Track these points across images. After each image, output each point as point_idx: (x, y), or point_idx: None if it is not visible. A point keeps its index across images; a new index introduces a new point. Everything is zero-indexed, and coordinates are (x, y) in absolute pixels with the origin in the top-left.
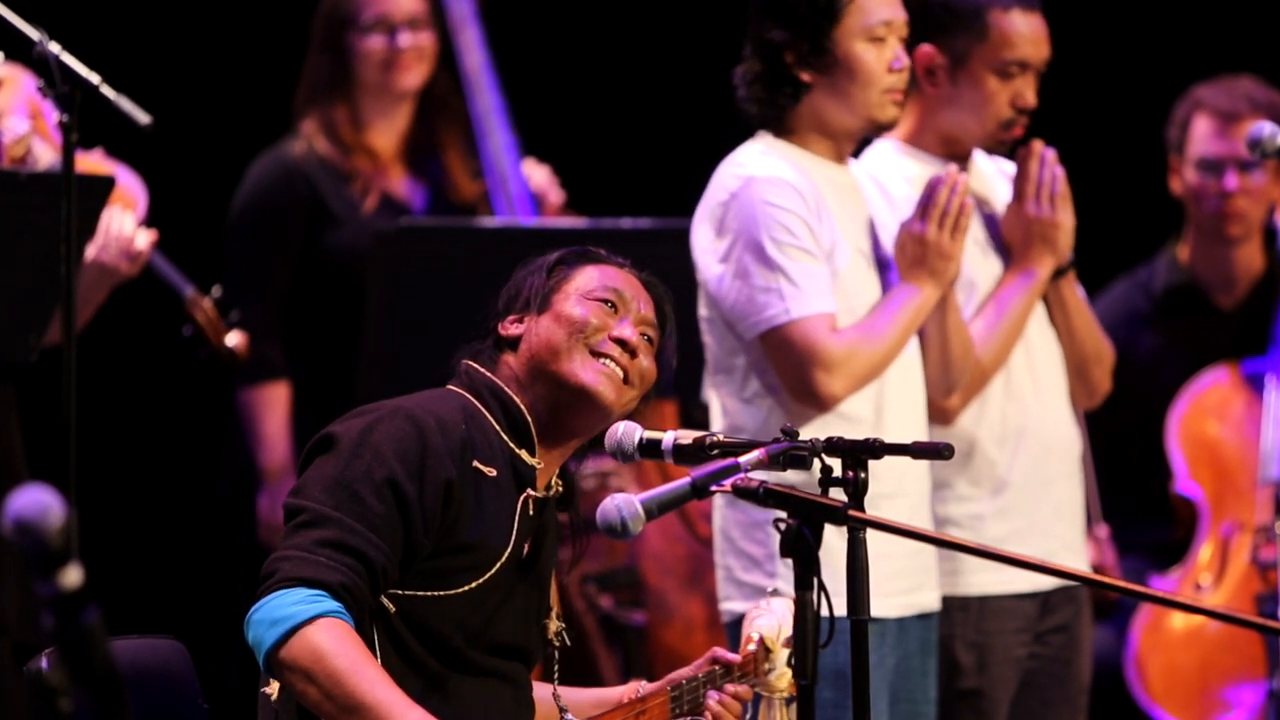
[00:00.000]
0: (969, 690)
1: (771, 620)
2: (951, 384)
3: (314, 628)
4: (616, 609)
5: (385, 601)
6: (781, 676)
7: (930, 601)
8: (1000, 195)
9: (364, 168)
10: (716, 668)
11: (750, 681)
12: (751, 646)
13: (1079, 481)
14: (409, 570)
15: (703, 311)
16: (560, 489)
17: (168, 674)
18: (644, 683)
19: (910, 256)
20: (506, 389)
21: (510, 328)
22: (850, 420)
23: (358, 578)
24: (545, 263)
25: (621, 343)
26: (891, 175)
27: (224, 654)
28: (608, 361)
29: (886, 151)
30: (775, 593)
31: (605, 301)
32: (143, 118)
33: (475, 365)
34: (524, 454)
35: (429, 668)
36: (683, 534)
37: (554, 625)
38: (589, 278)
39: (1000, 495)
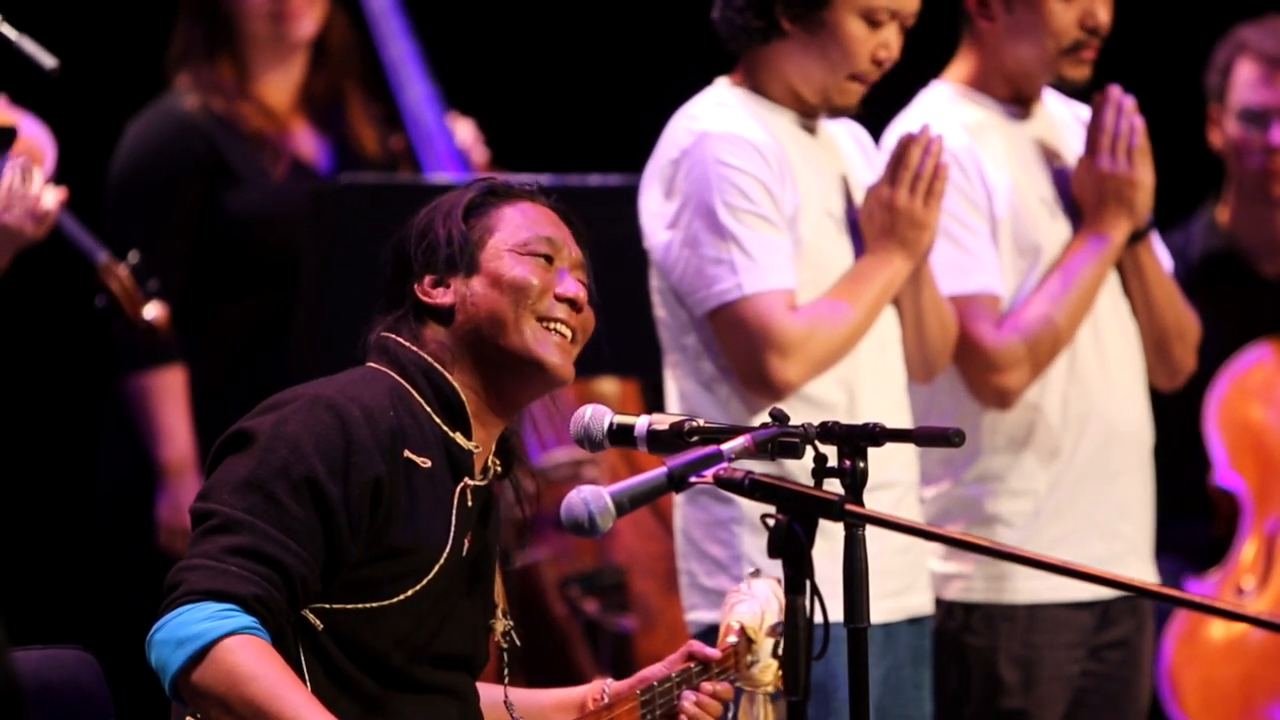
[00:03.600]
0: (1012, 710)
1: (753, 606)
2: (929, 366)
3: (226, 647)
4: (603, 614)
5: (311, 618)
6: (765, 669)
7: (922, 604)
8: (1073, 147)
9: (263, 126)
10: (692, 665)
11: (730, 677)
12: (732, 638)
13: (1149, 476)
14: (333, 580)
15: (653, 282)
16: (499, 468)
17: (76, 688)
18: (609, 681)
19: (879, 225)
20: (437, 366)
21: (437, 295)
22: (818, 406)
23: (274, 589)
24: (455, 210)
25: (569, 301)
26: (947, 123)
27: (137, 665)
28: (558, 326)
29: (942, 96)
30: (756, 574)
31: (540, 254)
32: (49, 61)
33: (398, 339)
34: (459, 437)
35: (365, 689)
36: (658, 530)
37: (500, 625)
38: (514, 225)
39: (1057, 490)
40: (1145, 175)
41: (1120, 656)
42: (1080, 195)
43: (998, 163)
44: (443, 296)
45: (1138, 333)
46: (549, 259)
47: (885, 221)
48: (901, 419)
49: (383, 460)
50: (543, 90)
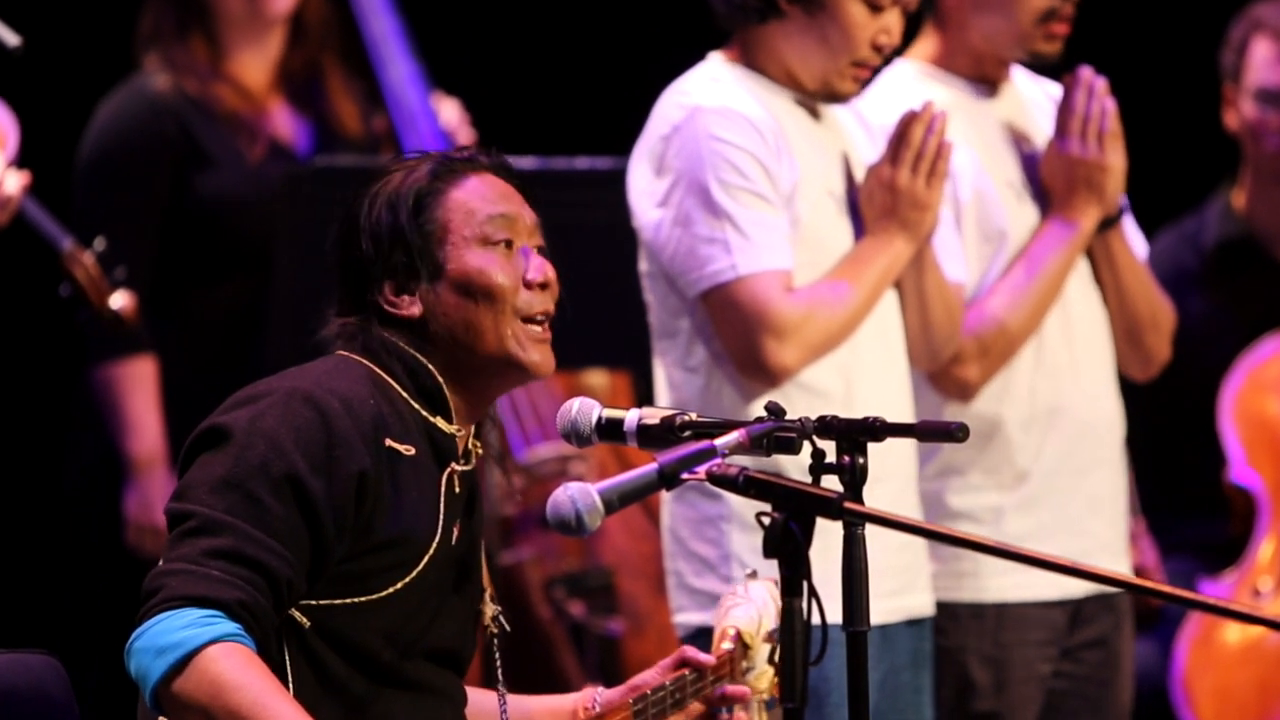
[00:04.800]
0: (985, 713)
1: (749, 610)
2: (934, 352)
3: (210, 655)
4: (589, 616)
5: (298, 616)
6: (761, 676)
7: (921, 605)
8: (1042, 128)
9: (239, 107)
10: (687, 672)
11: (726, 685)
12: (727, 644)
13: (1121, 471)
14: (319, 579)
15: (643, 265)
16: (479, 449)
17: (41, 694)
18: (600, 690)
19: (879, 206)
20: (411, 350)
21: (403, 305)
22: (814, 393)
23: (258, 594)
24: (402, 206)
25: (541, 284)
26: (911, 104)
27: (103, 669)
28: (541, 318)
29: (907, 75)
30: (753, 575)
31: (499, 241)
32: (12, 39)
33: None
34: (440, 421)
35: (353, 689)
36: (648, 529)
37: (489, 609)
38: (465, 212)
39: (1024, 485)
40: (1116, 160)
41: (1098, 657)
42: (1049, 180)
43: (962, 144)
44: (410, 307)
45: (1109, 322)
46: (509, 243)
47: (886, 202)
48: (903, 408)
49: (366, 452)
50: (530, 69)
